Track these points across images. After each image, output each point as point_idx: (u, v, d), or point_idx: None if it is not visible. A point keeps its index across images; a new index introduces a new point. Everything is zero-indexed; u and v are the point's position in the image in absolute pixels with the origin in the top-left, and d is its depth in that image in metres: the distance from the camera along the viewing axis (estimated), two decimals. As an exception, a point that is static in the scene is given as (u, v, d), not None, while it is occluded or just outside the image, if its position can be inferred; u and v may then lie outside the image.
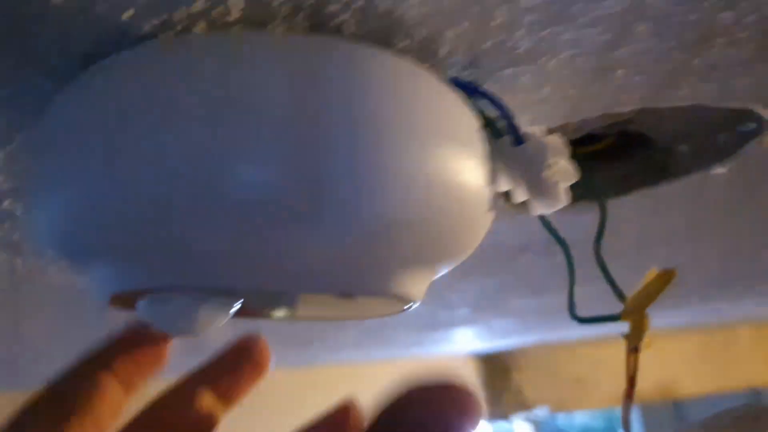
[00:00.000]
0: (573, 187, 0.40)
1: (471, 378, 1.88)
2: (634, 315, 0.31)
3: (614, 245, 0.52)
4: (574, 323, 0.32)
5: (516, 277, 0.63)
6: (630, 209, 0.42)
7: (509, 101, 0.25)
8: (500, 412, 1.89)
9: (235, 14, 0.18)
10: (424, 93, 0.18)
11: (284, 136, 0.16)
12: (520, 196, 0.22)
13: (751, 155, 0.33)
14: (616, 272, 0.62)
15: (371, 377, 1.57)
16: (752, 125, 0.30)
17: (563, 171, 0.21)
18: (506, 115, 0.21)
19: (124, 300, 0.20)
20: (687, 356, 1.92)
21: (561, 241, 0.37)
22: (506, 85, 0.24)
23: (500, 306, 0.84)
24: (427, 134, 0.18)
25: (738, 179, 0.37)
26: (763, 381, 1.93)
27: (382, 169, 0.17)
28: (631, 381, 0.32)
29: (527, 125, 0.26)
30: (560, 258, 0.53)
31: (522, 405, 1.89)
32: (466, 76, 0.23)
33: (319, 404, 0.20)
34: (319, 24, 0.19)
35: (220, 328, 0.20)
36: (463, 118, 0.20)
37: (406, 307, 0.23)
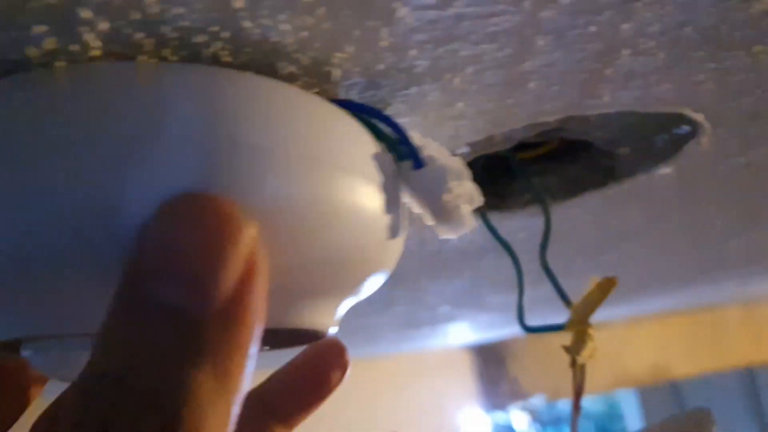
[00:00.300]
0: (522, 191, 0.40)
1: (466, 370, 1.88)
2: (578, 325, 0.30)
3: (575, 245, 0.51)
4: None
5: (485, 277, 0.63)
6: (587, 210, 0.42)
7: (422, 118, 0.24)
8: (497, 402, 1.89)
9: (94, 51, 0.17)
10: (302, 117, 0.17)
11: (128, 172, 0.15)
12: (427, 219, 0.21)
13: (692, 155, 0.32)
14: (580, 272, 0.62)
15: (366, 374, 1.57)
16: (687, 128, 0.29)
17: (466, 195, 0.20)
18: (403, 137, 0.20)
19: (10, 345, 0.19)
20: (679, 338, 1.92)
21: (508, 248, 0.36)
22: (415, 104, 0.23)
23: (479, 303, 0.83)
24: (304, 161, 0.17)
25: (685, 177, 0.36)
26: (754, 359, 1.94)
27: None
28: (577, 394, 0.32)
29: (444, 141, 0.26)
30: (524, 258, 0.52)
31: (518, 394, 1.89)
32: (368, 97, 0.22)
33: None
34: (193, 56, 0.18)
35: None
36: (352, 142, 0.19)
37: (320, 336, 0.22)
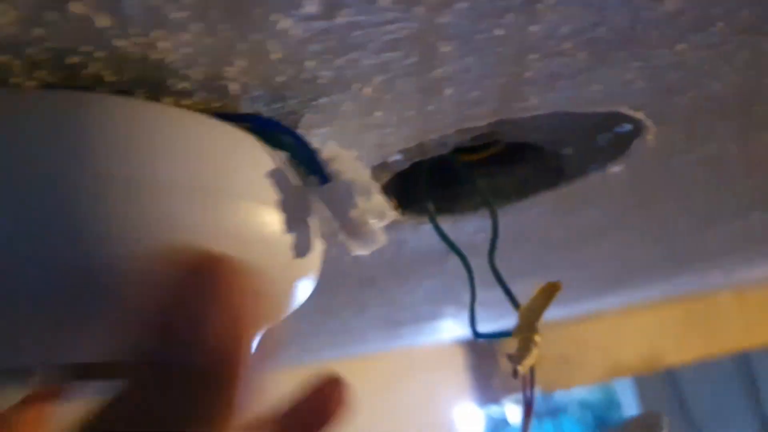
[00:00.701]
0: (474, 194, 0.39)
1: (459, 364, 1.87)
2: (525, 331, 0.30)
3: (543, 244, 0.50)
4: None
5: (456, 277, 0.62)
6: (546, 210, 0.41)
7: (341, 128, 0.23)
8: (490, 396, 1.88)
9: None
10: (184, 143, 0.17)
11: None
12: (340, 235, 0.20)
13: (641, 153, 0.32)
14: (552, 269, 0.61)
15: (358, 372, 1.56)
16: (628, 126, 0.28)
17: (374, 210, 0.19)
18: (305, 151, 0.19)
19: None
20: (673, 326, 1.92)
21: (458, 252, 0.35)
22: (329, 114, 0.22)
23: (457, 301, 0.83)
24: (184, 191, 0.16)
25: (637, 175, 0.35)
26: (747, 344, 1.94)
27: (131, 231, 0.15)
28: (527, 403, 0.31)
29: (371, 149, 0.25)
30: (518, 254, 0.51)
31: (512, 388, 1.88)
32: (277, 109, 0.21)
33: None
34: (71, 77, 0.17)
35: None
36: (241, 163, 0.18)
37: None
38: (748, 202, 0.49)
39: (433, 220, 0.35)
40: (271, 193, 0.18)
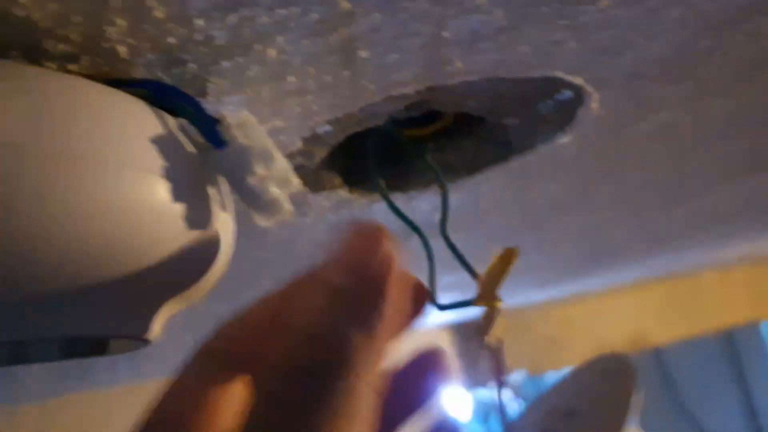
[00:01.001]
0: (424, 170, 0.38)
1: (446, 348, 1.87)
2: (486, 299, 0.29)
3: (506, 221, 0.49)
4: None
5: (419, 258, 0.61)
6: (501, 185, 0.40)
7: (255, 95, 0.22)
8: (478, 379, 1.88)
9: None
10: (61, 109, 0.15)
11: None
12: (242, 204, 0.19)
13: (589, 122, 0.30)
14: (521, 247, 0.59)
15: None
16: (569, 92, 0.27)
17: (276, 178, 0.18)
18: (200, 115, 0.18)
19: None
20: (657, 305, 1.93)
21: (414, 228, 0.34)
22: (236, 80, 0.20)
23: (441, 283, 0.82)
24: (59, 159, 0.15)
25: (589, 147, 0.34)
26: (731, 322, 1.95)
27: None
28: (498, 376, 0.30)
29: (295, 119, 0.23)
30: (458, 235, 0.50)
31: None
32: (177, 75, 0.19)
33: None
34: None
35: None
36: (129, 126, 0.17)
37: (144, 343, 0.20)
38: (713, 176, 0.48)
39: (384, 196, 0.34)
40: (158, 161, 0.17)
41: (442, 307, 0.32)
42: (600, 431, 0.30)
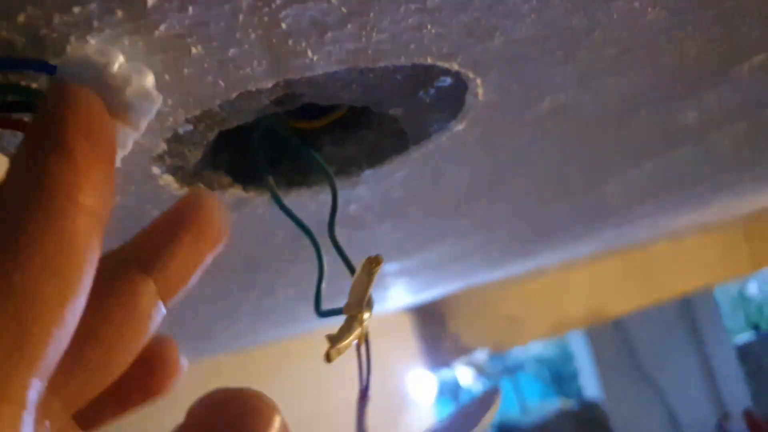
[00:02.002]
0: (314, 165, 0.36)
1: (408, 331, 1.88)
2: (353, 309, 0.28)
3: (425, 210, 0.48)
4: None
5: (360, 250, 0.60)
6: (409, 175, 0.39)
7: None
8: (441, 360, 1.90)
9: None
10: None
11: None
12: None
13: (480, 108, 0.29)
14: (448, 234, 0.58)
15: (309, 346, 1.55)
16: (448, 79, 0.26)
17: (132, 70, 0.17)
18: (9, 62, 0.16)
19: None
20: (614, 277, 1.96)
21: (304, 228, 0.33)
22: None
23: (383, 272, 0.81)
24: None
25: (488, 132, 0.33)
26: (686, 289, 1.99)
27: None
28: (364, 383, 0.29)
29: (155, 121, 0.22)
30: (383, 226, 0.48)
31: (461, 350, 1.90)
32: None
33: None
34: None
35: None
36: None
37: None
38: (633, 152, 0.48)
39: (274, 194, 0.32)
40: None
41: (323, 314, 0.31)
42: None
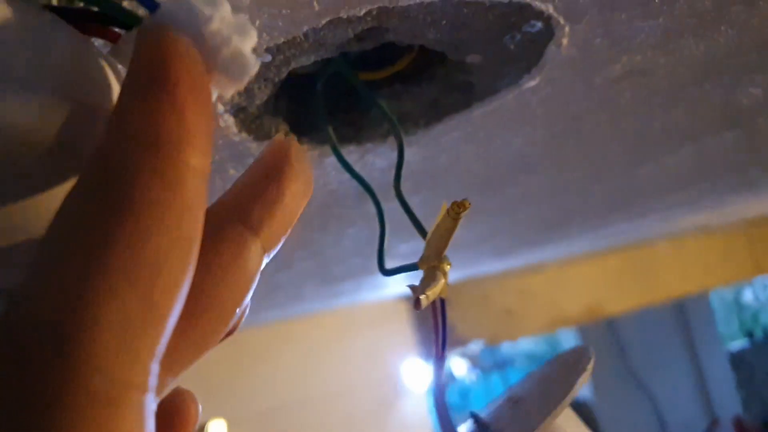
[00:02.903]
0: (379, 121, 0.35)
1: (404, 320, 1.86)
2: (432, 261, 0.26)
3: (466, 179, 0.47)
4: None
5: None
6: (461, 138, 0.37)
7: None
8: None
9: None
10: None
11: None
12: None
13: (557, 62, 0.28)
14: (481, 210, 0.57)
15: (303, 332, 1.54)
16: (538, 24, 0.25)
17: (233, 24, 0.15)
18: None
19: None
20: (612, 276, 1.96)
21: (368, 188, 0.32)
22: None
23: (389, 253, 0.79)
24: None
25: (557, 92, 0.32)
26: (682, 291, 1.99)
27: None
28: (441, 340, 0.28)
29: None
30: (415, 198, 0.47)
31: (456, 341, 1.89)
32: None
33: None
34: None
35: None
36: None
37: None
38: (677, 134, 0.47)
39: (334, 147, 0.31)
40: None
41: (387, 272, 0.30)
42: (533, 414, 0.28)
